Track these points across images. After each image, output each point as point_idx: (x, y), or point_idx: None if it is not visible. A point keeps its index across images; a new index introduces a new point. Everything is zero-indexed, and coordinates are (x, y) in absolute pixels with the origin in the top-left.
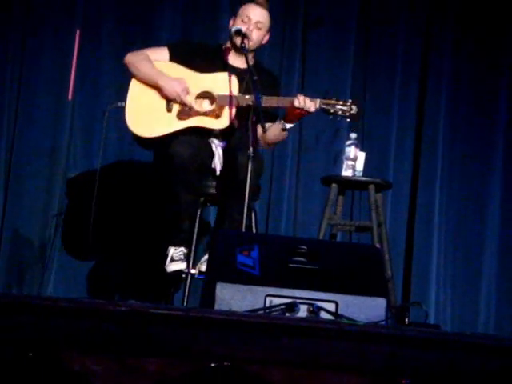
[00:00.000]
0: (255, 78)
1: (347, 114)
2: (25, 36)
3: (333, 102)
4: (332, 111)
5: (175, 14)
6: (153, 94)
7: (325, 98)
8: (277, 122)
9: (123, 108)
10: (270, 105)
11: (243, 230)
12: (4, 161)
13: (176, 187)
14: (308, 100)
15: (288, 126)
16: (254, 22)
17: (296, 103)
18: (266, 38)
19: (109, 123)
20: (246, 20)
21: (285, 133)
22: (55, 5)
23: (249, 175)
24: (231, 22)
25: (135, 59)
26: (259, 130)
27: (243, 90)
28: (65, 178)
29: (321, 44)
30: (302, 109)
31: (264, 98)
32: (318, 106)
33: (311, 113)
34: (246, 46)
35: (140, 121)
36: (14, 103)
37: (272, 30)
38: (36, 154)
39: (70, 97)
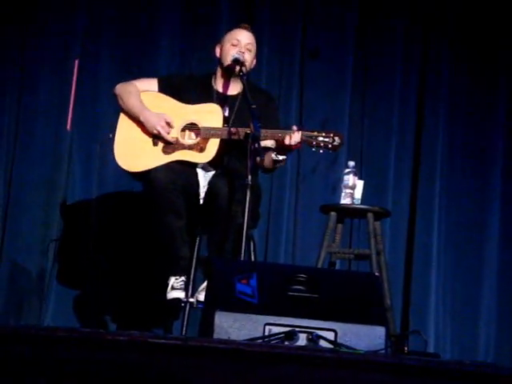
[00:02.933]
0: (253, 106)
1: (329, 145)
2: (23, 66)
3: (315, 133)
4: (314, 143)
5: (173, 43)
6: (140, 128)
7: (307, 130)
8: (269, 152)
9: (113, 139)
10: (263, 139)
11: (241, 258)
12: (2, 190)
13: (164, 214)
14: (299, 134)
15: (281, 157)
16: (244, 44)
17: (287, 141)
18: (254, 61)
19: (107, 153)
20: (235, 43)
21: (282, 163)
22: (53, 35)
23: (247, 203)
24: (217, 50)
25: (123, 90)
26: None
27: (233, 117)
28: (63, 208)
29: (318, 73)
30: (293, 144)
31: (241, 129)
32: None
33: (300, 145)
34: (245, 74)
35: (127, 155)
36: (13, 133)
37: (270, 60)
38: (34, 183)
39: (68, 127)
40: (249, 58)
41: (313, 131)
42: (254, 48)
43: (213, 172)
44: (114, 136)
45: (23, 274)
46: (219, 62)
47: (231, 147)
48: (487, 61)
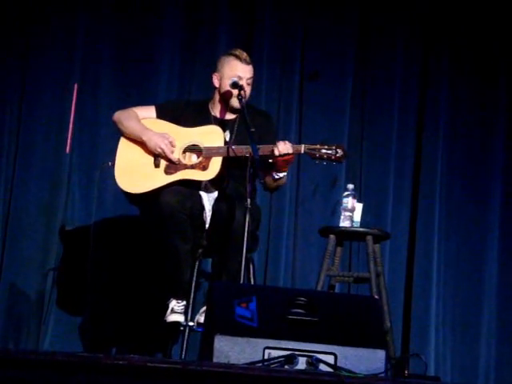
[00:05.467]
0: (252, 130)
1: (332, 157)
2: (23, 89)
3: (318, 146)
4: (317, 155)
5: (172, 67)
6: (140, 150)
7: (310, 144)
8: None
9: (113, 166)
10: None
11: (240, 281)
12: (1, 214)
13: (171, 237)
14: (286, 145)
15: (276, 176)
16: (246, 79)
17: (276, 152)
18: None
19: (105, 178)
20: (236, 79)
21: (281, 180)
22: (53, 59)
23: (246, 226)
24: (216, 80)
25: (123, 116)
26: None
27: (232, 141)
28: (62, 232)
29: (317, 95)
30: (284, 155)
31: (242, 146)
32: (303, 151)
33: (293, 157)
34: (243, 98)
35: (128, 177)
36: (12, 156)
37: (269, 81)
38: (33, 207)
39: (67, 150)
40: (249, 91)
41: (315, 144)
42: (253, 78)
43: (215, 194)
44: (113, 163)
45: (22, 298)
46: (217, 89)
47: (231, 168)
48: (488, 86)
